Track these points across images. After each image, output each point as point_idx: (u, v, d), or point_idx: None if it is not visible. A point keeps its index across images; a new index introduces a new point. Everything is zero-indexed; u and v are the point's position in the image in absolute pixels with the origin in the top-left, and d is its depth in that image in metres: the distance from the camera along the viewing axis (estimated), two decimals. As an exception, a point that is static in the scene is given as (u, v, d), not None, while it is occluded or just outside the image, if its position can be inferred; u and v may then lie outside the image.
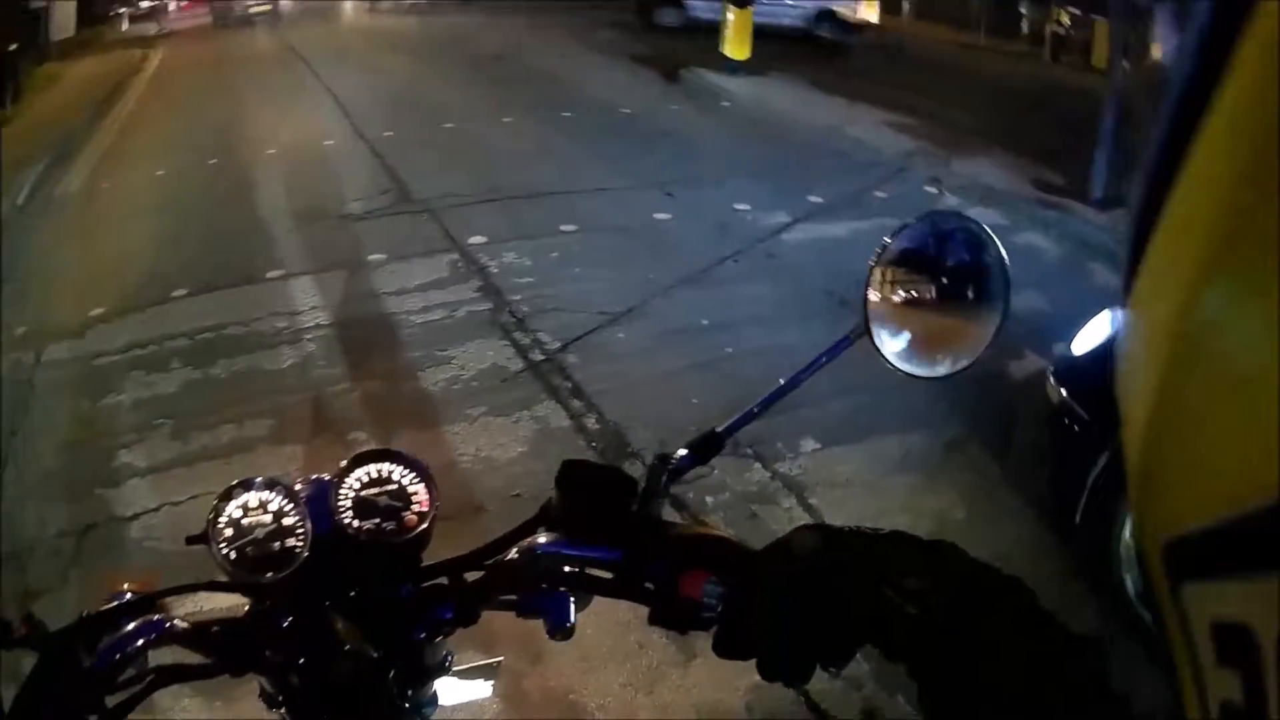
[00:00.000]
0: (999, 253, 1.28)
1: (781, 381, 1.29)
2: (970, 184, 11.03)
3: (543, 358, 6.72)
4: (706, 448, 1.29)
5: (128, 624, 1.20)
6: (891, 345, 1.29)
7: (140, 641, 1.19)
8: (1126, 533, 4.07)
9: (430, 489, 1.38)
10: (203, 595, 1.28)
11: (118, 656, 1.18)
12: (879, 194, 10.72)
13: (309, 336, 6.99)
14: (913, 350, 1.31)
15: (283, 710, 1.28)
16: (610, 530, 1.21)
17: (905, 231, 1.30)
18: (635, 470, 1.25)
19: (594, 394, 6.21)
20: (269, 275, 8.23)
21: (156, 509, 5.18)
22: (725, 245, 8.86)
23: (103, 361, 7.10)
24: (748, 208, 10.04)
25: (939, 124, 13.58)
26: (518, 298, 7.70)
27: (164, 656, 1.21)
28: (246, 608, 1.27)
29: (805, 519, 4.85)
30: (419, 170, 11.50)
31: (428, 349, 6.86)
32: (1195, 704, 0.49)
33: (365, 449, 1.39)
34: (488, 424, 5.90)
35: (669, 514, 1.24)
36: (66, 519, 5.15)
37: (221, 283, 8.16)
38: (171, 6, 37.23)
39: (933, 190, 10.97)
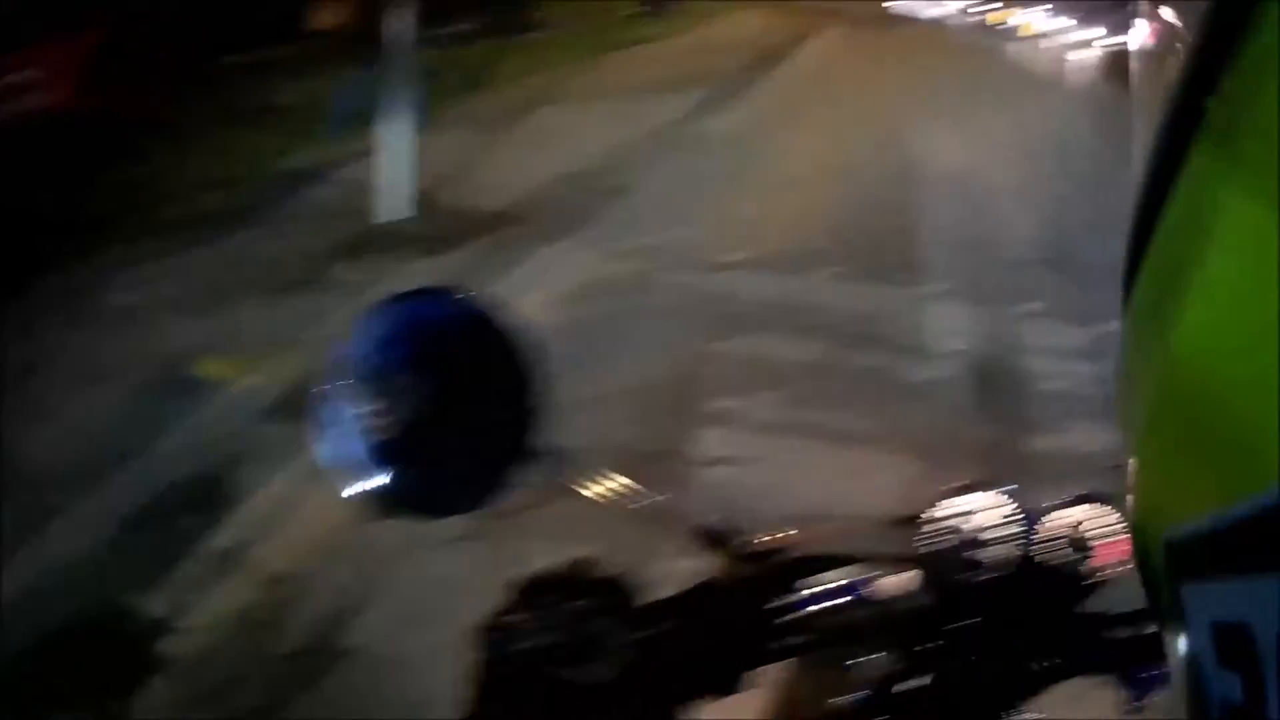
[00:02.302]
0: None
1: None
2: None
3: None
4: None
5: (804, 574, 1.24)
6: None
7: (827, 602, 1.22)
8: None
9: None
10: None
11: (790, 603, 1.20)
12: None
13: (943, 359, 6.58)
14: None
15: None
16: None
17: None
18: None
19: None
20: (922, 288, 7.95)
21: (732, 461, 5.04)
22: None
23: (732, 308, 7.10)
24: None
25: None
26: None
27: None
28: (924, 600, 1.29)
29: None
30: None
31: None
32: (1195, 704, 0.50)
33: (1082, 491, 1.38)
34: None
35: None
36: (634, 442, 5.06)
37: (870, 277, 7.97)
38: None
39: None
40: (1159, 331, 0.54)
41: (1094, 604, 1.30)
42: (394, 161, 7.93)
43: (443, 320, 1.16)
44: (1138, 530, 0.58)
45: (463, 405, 1.11)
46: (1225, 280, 0.49)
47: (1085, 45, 28.29)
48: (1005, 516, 1.32)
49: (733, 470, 4.89)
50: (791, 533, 1.30)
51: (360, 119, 10.36)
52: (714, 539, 1.24)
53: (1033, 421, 5.90)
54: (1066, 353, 6.92)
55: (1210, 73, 0.51)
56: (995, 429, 5.70)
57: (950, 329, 7.05)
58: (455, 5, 13.90)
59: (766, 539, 1.27)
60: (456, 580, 4.13)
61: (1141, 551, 0.57)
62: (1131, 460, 0.57)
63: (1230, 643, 0.46)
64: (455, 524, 4.45)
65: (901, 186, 10.82)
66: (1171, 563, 0.51)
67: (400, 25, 7.89)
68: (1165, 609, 0.52)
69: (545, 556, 1.32)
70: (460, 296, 1.17)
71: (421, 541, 4.40)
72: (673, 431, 5.27)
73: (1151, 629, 1.17)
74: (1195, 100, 0.53)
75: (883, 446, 5.27)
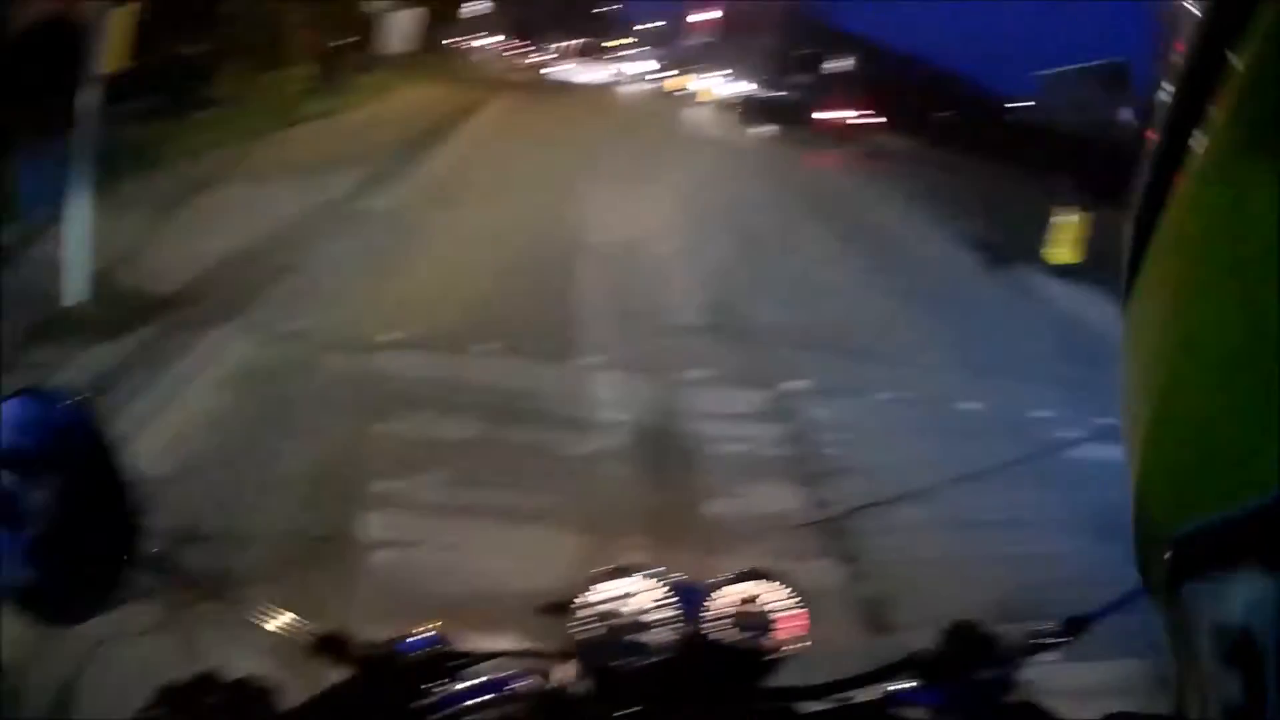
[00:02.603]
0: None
1: None
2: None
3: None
4: None
5: (456, 671, 1.22)
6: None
7: (478, 699, 1.19)
8: None
9: (806, 619, 1.34)
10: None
11: (450, 706, 1.17)
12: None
13: (607, 431, 6.76)
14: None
15: None
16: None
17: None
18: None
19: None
20: (581, 359, 8.11)
21: (397, 545, 5.02)
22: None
23: (390, 389, 7.04)
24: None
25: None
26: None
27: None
28: (583, 688, 1.24)
29: None
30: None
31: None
32: (1196, 703, 0.51)
33: (749, 566, 1.37)
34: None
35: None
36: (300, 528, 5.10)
37: (530, 352, 8.05)
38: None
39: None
40: (1160, 335, 0.55)
41: (779, 678, 1.30)
42: (74, 243, 7.77)
43: (45, 424, 1.11)
44: (1139, 532, 0.57)
45: (67, 512, 1.07)
46: (1225, 282, 0.49)
47: (763, 110, 29.07)
48: (665, 597, 1.30)
49: (398, 554, 4.90)
50: (435, 625, 1.27)
51: (46, 198, 9.77)
52: (334, 646, 1.24)
53: (707, 488, 6.02)
54: (739, 417, 7.17)
55: (1209, 74, 0.53)
56: (666, 498, 5.82)
57: (611, 400, 7.20)
58: (134, 81, 13.53)
59: (405, 636, 1.25)
60: (153, 670, 4.17)
61: (1142, 553, 0.57)
62: (1134, 463, 0.57)
63: (1231, 643, 0.47)
64: (149, 615, 4.41)
65: (560, 258, 11.03)
66: (1173, 564, 0.52)
67: (86, 101, 7.78)
68: (1167, 610, 0.53)
69: (221, 653, 1.42)
70: (66, 401, 1.14)
71: (118, 631, 4.38)
72: (338, 516, 5.19)
73: (848, 699, 1.23)
74: (1195, 102, 0.54)
75: (548, 523, 5.27)
